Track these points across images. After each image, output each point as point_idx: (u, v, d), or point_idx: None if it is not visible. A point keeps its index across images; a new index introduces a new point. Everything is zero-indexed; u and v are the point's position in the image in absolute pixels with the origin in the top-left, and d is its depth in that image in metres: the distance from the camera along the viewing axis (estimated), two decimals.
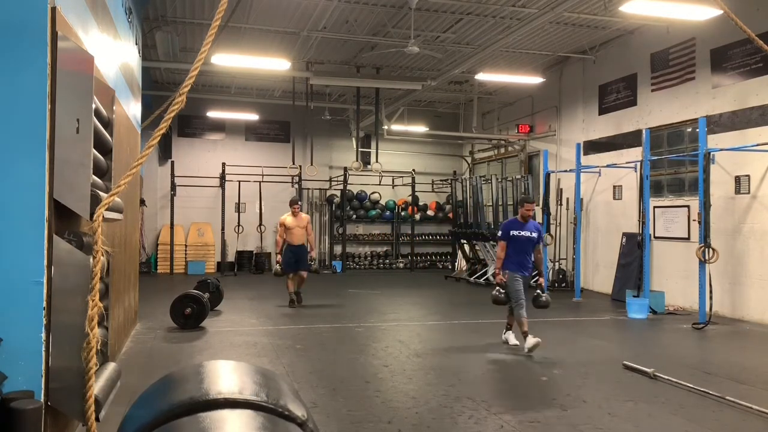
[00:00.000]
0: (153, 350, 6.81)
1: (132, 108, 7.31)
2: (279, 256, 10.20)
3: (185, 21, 11.14)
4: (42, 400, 3.18)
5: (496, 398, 5.06)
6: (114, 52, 5.79)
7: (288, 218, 10.11)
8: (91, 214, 3.28)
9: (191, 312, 7.94)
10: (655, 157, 10.34)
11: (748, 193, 9.17)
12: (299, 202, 10.42)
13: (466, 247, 15.06)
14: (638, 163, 10.48)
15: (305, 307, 10.00)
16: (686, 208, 10.27)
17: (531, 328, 6.78)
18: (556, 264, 13.12)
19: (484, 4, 10.05)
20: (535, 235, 7.12)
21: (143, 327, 8.10)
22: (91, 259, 2.99)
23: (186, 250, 15.93)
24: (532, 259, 7.20)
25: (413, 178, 17.68)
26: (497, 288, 7.02)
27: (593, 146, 12.69)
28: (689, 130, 10.37)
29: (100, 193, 3.65)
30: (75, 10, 3.92)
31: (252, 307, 10.15)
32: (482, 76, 12.48)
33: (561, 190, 13.29)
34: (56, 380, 3.28)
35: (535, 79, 12.85)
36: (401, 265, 17.73)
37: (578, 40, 12.01)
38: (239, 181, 16.17)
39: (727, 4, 5.88)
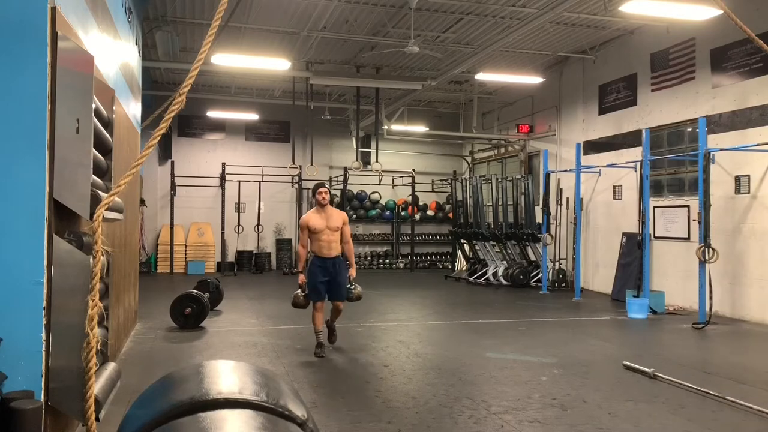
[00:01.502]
0: (153, 350, 6.81)
1: (132, 108, 7.31)
2: (302, 276, 6.73)
3: (185, 21, 11.14)
4: (42, 400, 3.19)
5: (496, 398, 5.06)
6: (114, 52, 5.79)
7: (313, 216, 6.63)
8: (91, 214, 3.28)
9: (191, 312, 7.94)
10: (655, 157, 10.34)
11: (748, 193, 9.16)
12: (326, 186, 6.80)
13: (466, 247, 15.06)
14: (638, 163, 10.47)
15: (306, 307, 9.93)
16: (686, 208, 10.27)
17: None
18: (556, 264, 13.12)
19: (484, 4, 10.05)
20: None
21: (143, 327, 8.10)
22: (91, 259, 2.99)
23: (186, 250, 15.92)
24: None
25: (413, 178, 17.67)
26: None
27: (593, 146, 12.69)
28: (689, 130, 10.37)
29: (100, 193, 3.65)
30: (75, 10, 3.92)
31: (252, 307, 10.14)
32: (482, 76, 12.48)
33: (561, 190, 13.29)
34: (56, 380, 3.28)
35: (535, 79, 12.84)
36: (401, 265, 17.73)
37: (578, 40, 12.01)
38: (239, 181, 16.18)
39: (727, 4, 5.88)
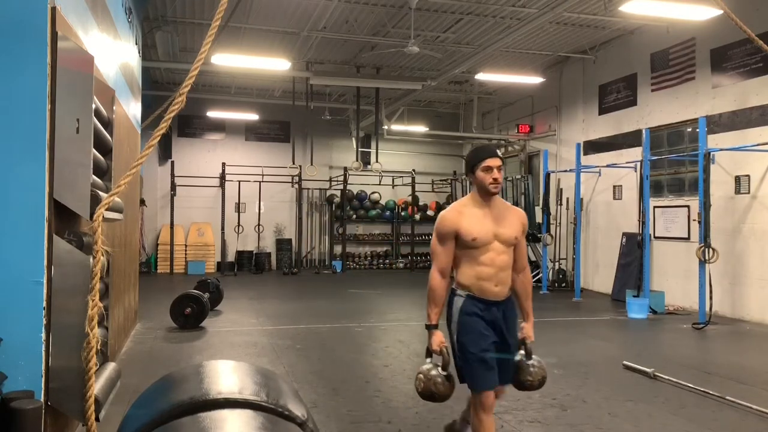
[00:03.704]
0: (153, 350, 6.81)
1: (132, 108, 7.31)
2: (439, 337, 3.22)
3: (185, 21, 11.14)
4: (42, 400, 3.19)
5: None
6: (114, 52, 5.79)
7: (468, 214, 3.21)
8: (91, 214, 3.28)
9: (191, 312, 7.94)
10: (655, 157, 10.34)
11: (748, 193, 9.16)
12: (500, 154, 3.27)
13: None
14: (638, 163, 10.47)
15: (305, 308, 9.91)
16: (686, 208, 10.26)
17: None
18: (556, 264, 13.12)
19: (484, 4, 10.04)
20: None
21: (143, 327, 8.10)
22: (91, 259, 2.98)
23: (186, 250, 15.92)
24: None
25: (413, 178, 17.67)
26: None
27: (593, 146, 12.69)
28: (689, 130, 10.37)
29: (100, 193, 3.65)
30: (75, 10, 3.92)
31: (252, 307, 10.14)
32: (482, 76, 12.47)
33: (561, 190, 13.29)
34: (56, 380, 3.28)
35: (535, 79, 12.84)
36: (401, 265, 17.72)
37: (578, 40, 12.01)
38: (239, 181, 16.17)
39: (727, 4, 5.88)
